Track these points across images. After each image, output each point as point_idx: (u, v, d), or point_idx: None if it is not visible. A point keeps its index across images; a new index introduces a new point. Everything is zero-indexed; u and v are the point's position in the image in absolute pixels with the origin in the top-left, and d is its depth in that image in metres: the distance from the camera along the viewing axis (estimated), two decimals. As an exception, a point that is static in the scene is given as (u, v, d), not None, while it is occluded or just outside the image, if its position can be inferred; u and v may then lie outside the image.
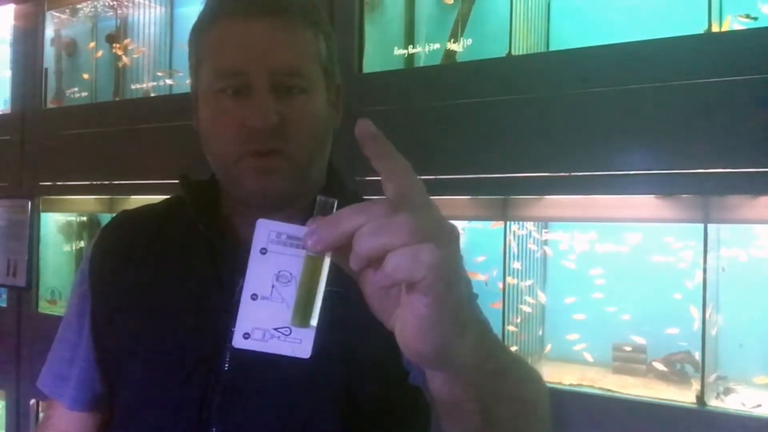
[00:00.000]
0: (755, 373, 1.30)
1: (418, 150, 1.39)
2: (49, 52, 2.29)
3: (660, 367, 1.36)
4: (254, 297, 0.45)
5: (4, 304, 2.19)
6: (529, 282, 1.49)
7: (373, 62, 1.56)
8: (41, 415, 2.01)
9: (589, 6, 1.51)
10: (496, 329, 0.85)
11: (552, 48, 1.53)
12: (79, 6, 2.27)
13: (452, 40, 1.60)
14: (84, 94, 2.30)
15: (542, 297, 1.53)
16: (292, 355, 0.46)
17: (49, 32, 2.30)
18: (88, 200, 2.18)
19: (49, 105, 2.23)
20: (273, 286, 0.45)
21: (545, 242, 1.55)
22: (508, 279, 1.40)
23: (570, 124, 1.27)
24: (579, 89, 1.26)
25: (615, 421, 1.22)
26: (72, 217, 2.34)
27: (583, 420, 1.24)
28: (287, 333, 0.46)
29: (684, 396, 1.23)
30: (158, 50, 2.12)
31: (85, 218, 2.36)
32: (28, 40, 2.21)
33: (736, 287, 1.34)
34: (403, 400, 0.77)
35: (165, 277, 0.80)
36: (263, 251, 0.45)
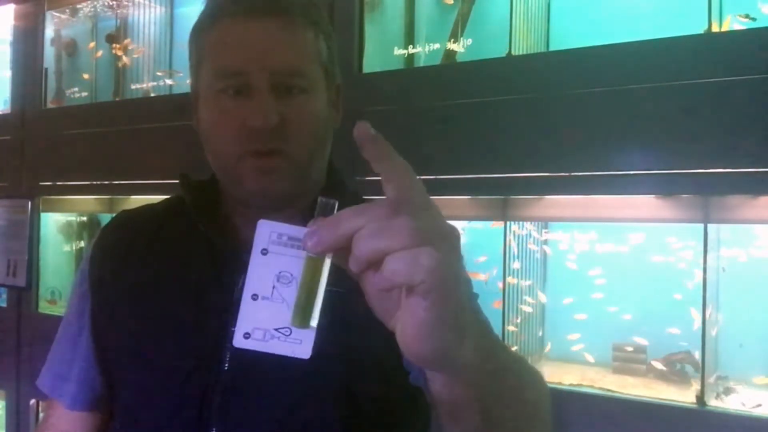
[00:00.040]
0: (755, 373, 1.30)
1: (418, 150, 1.39)
2: (49, 52, 2.30)
3: (658, 366, 1.36)
4: (255, 297, 0.45)
5: (4, 304, 2.19)
6: (528, 282, 1.49)
7: (373, 62, 1.56)
8: (41, 415, 2.01)
9: (589, 6, 1.51)
10: (496, 329, 0.85)
11: (552, 48, 1.53)
12: (79, 6, 2.27)
13: (452, 40, 1.60)
14: (84, 94, 2.30)
15: (542, 297, 1.53)
16: (292, 355, 0.46)
17: (49, 32, 2.30)
18: (88, 200, 2.18)
19: (49, 105, 2.23)
20: (274, 287, 0.45)
21: (545, 242, 1.55)
22: (508, 279, 1.40)
23: (570, 124, 1.27)
24: (579, 89, 1.26)
25: (615, 421, 1.22)
26: (72, 217, 2.34)
27: (583, 420, 1.24)
28: (287, 333, 0.46)
29: (684, 396, 1.23)
30: (158, 50, 2.12)
31: (85, 218, 2.37)
32: (28, 40, 2.21)
33: (736, 287, 1.34)
34: (403, 400, 0.77)
35: (165, 277, 0.80)
36: (264, 252, 0.45)
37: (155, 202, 0.92)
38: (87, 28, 2.38)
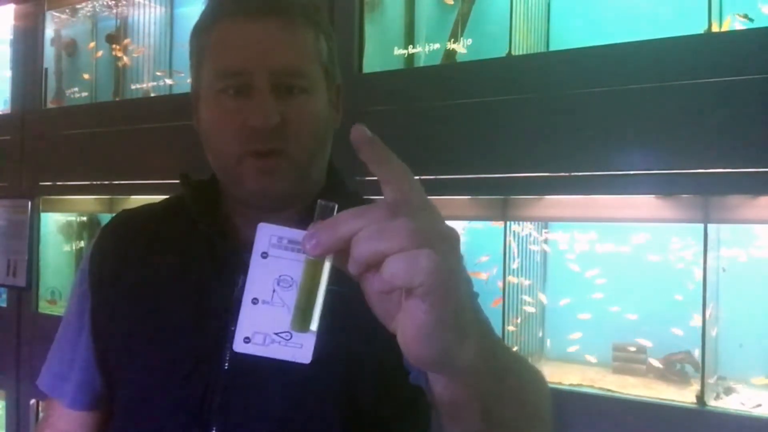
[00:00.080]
0: (755, 373, 1.30)
1: (418, 150, 1.39)
2: (49, 52, 2.29)
3: (656, 363, 1.36)
4: (255, 301, 0.45)
5: (4, 304, 2.19)
6: (528, 282, 1.48)
7: (373, 62, 1.56)
8: (41, 414, 2.01)
9: (589, 6, 1.51)
10: (496, 329, 0.85)
11: (552, 48, 1.53)
12: (79, 6, 2.27)
13: (452, 40, 1.60)
14: (84, 94, 2.30)
15: (542, 297, 1.53)
16: (293, 360, 0.46)
17: (49, 32, 2.30)
18: (88, 200, 2.18)
19: (49, 105, 2.23)
20: (274, 291, 0.45)
21: (545, 241, 1.55)
22: (509, 278, 1.40)
23: (570, 124, 1.27)
24: (579, 89, 1.26)
25: (615, 421, 1.22)
26: (72, 217, 2.34)
27: (583, 420, 1.24)
28: (288, 338, 0.46)
29: (684, 396, 1.23)
30: (158, 50, 2.12)
31: (85, 218, 2.36)
32: (28, 40, 2.21)
33: (736, 287, 1.34)
34: (403, 400, 0.77)
35: (165, 277, 0.80)
36: (264, 255, 0.45)
37: (155, 202, 0.92)
38: (87, 28, 2.38)
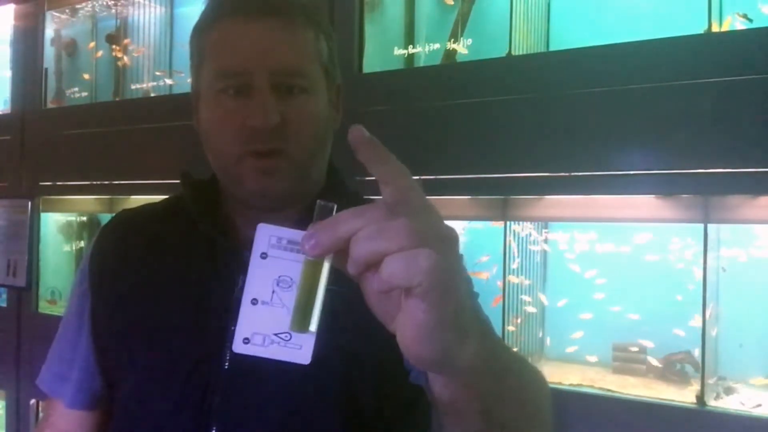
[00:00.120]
0: (755, 373, 1.30)
1: (418, 150, 1.39)
2: (49, 52, 2.29)
3: (654, 361, 1.36)
4: (254, 302, 0.45)
5: (4, 304, 2.19)
6: (528, 281, 1.48)
7: (373, 62, 1.56)
8: (41, 414, 2.01)
9: (589, 6, 1.51)
10: (497, 329, 0.85)
11: (552, 48, 1.53)
12: (79, 6, 2.27)
13: (452, 40, 1.60)
14: (84, 94, 2.30)
15: (542, 297, 1.53)
16: (292, 360, 0.46)
17: (49, 32, 2.30)
18: (88, 200, 2.18)
19: (49, 105, 2.23)
20: (273, 291, 0.45)
21: (545, 241, 1.55)
22: (509, 277, 1.40)
23: (570, 124, 1.27)
24: (579, 89, 1.25)
25: (615, 421, 1.22)
26: (72, 217, 2.34)
27: (583, 420, 1.24)
28: (287, 338, 0.45)
29: (684, 396, 1.23)
30: (158, 50, 2.12)
31: (85, 218, 2.36)
32: (28, 40, 2.21)
33: (736, 287, 1.34)
34: (403, 400, 0.77)
35: (165, 277, 0.80)
36: (263, 256, 0.45)
37: (155, 201, 0.92)
38: (87, 28, 2.38)
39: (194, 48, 0.81)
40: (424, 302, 0.40)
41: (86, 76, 2.31)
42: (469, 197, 1.43)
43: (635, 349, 1.40)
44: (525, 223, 1.46)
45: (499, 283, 1.39)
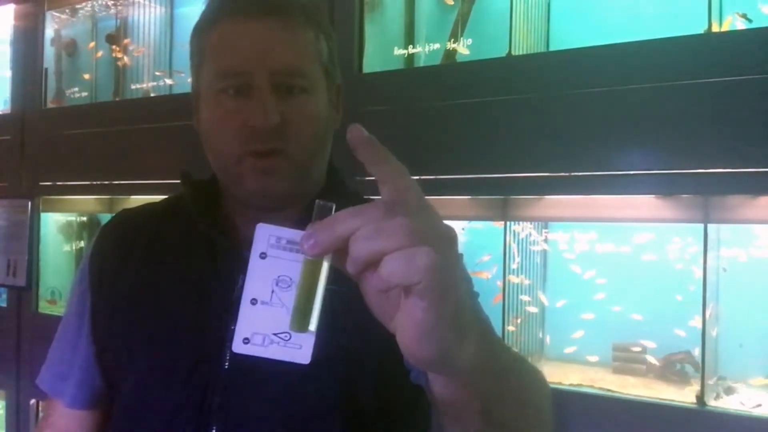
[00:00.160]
0: (755, 373, 1.30)
1: (418, 150, 1.39)
2: (49, 52, 2.29)
3: (652, 360, 1.36)
4: (254, 302, 0.45)
5: (4, 304, 2.19)
6: (528, 281, 1.48)
7: (373, 62, 1.56)
8: (41, 414, 2.00)
9: (589, 6, 1.51)
10: (497, 329, 0.85)
11: (552, 48, 1.53)
12: (79, 6, 2.27)
13: (452, 40, 1.60)
14: (84, 94, 2.30)
15: (542, 297, 1.53)
16: (292, 360, 0.46)
17: (49, 32, 2.30)
18: (88, 200, 2.18)
19: (49, 105, 2.23)
20: (273, 291, 0.45)
21: (545, 241, 1.55)
22: (509, 277, 1.40)
23: (570, 124, 1.27)
24: (579, 89, 1.25)
25: (615, 421, 1.22)
26: (72, 217, 2.34)
27: (583, 420, 1.24)
28: (287, 338, 0.45)
29: (684, 396, 1.23)
30: (158, 50, 2.12)
31: (85, 218, 2.36)
32: (28, 40, 2.21)
33: (736, 287, 1.34)
34: (403, 400, 0.77)
35: (165, 277, 0.80)
36: (263, 256, 0.45)
37: (155, 201, 0.92)
38: (87, 28, 2.38)
39: (194, 48, 0.81)
40: (424, 301, 0.40)
41: (86, 76, 2.31)
42: (469, 197, 1.43)
43: (638, 349, 1.40)
44: (525, 223, 1.46)
45: (499, 283, 1.39)
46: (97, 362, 0.84)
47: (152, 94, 2.10)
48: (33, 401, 2.05)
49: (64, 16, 2.34)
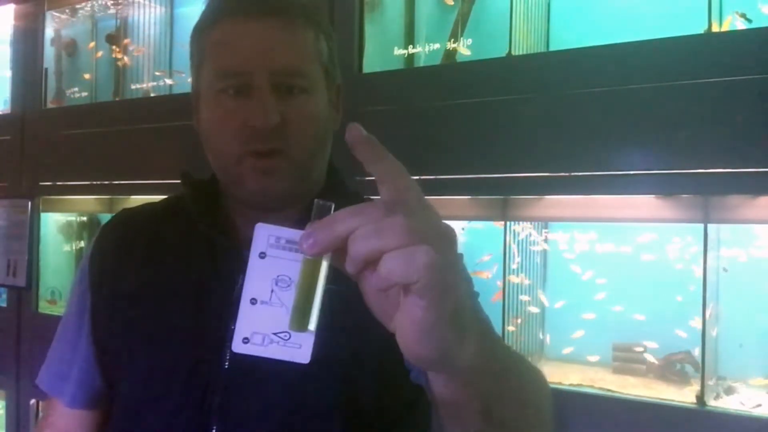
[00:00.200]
0: (755, 373, 1.30)
1: (418, 150, 1.39)
2: (49, 52, 2.29)
3: (651, 358, 1.36)
4: (253, 301, 0.45)
5: (4, 304, 2.19)
6: (528, 281, 1.48)
7: (373, 62, 1.56)
8: (41, 414, 2.00)
9: (589, 6, 1.51)
10: (497, 329, 0.85)
11: (552, 48, 1.53)
12: (79, 6, 2.27)
13: (452, 40, 1.60)
14: (84, 94, 2.30)
15: (543, 297, 1.53)
16: (292, 360, 0.46)
17: (49, 32, 2.30)
18: (88, 200, 2.18)
19: (49, 105, 2.23)
20: (272, 291, 0.45)
21: (545, 241, 1.55)
22: (511, 277, 1.40)
23: (570, 124, 1.27)
24: (579, 89, 1.25)
25: (615, 421, 1.22)
26: (72, 217, 2.34)
27: (583, 420, 1.24)
28: (286, 338, 0.45)
29: (684, 396, 1.23)
30: (158, 50, 2.12)
31: (85, 218, 2.36)
32: (28, 40, 2.21)
33: (736, 287, 1.34)
34: (403, 400, 0.77)
35: (165, 276, 0.80)
36: (262, 256, 0.45)
37: (155, 201, 0.92)
38: (87, 28, 2.38)
39: (194, 48, 0.81)
40: (423, 299, 0.40)
41: (86, 76, 2.31)
42: (469, 197, 1.43)
43: (640, 349, 1.40)
44: (525, 223, 1.46)
45: (499, 283, 1.40)
46: (97, 362, 0.84)
47: (152, 94, 2.10)
48: (33, 401, 2.05)
49: (64, 16, 2.34)
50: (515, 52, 1.41)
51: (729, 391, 1.26)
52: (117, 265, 0.83)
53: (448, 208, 1.45)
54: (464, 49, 1.57)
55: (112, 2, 2.20)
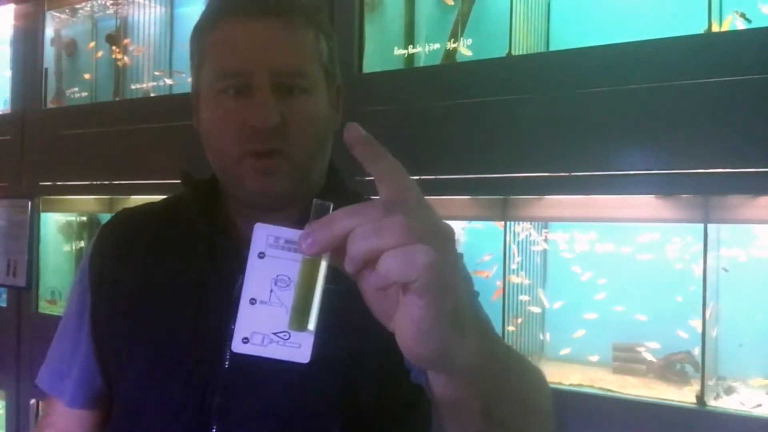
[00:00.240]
0: (755, 374, 1.30)
1: (418, 150, 1.39)
2: (49, 52, 2.29)
3: (649, 356, 1.36)
4: (253, 301, 0.45)
5: (4, 304, 2.19)
6: (528, 281, 1.48)
7: (373, 62, 1.56)
8: (41, 414, 2.00)
9: (589, 6, 1.51)
10: (497, 328, 0.85)
11: (552, 48, 1.53)
12: (79, 6, 2.27)
13: (452, 40, 1.60)
14: (84, 94, 2.30)
15: (543, 297, 1.53)
16: (291, 359, 0.46)
17: (49, 32, 2.30)
18: (88, 200, 2.18)
19: (49, 105, 2.23)
20: (271, 291, 0.45)
21: (545, 240, 1.55)
22: (511, 277, 1.40)
23: (570, 124, 1.27)
24: (579, 89, 1.25)
25: (615, 421, 1.22)
26: (72, 217, 2.34)
27: (583, 420, 1.24)
28: (286, 337, 0.46)
29: (684, 396, 1.23)
30: (158, 50, 2.12)
31: (85, 218, 2.36)
32: (28, 40, 2.21)
33: (736, 287, 1.34)
34: (403, 400, 0.77)
35: (165, 276, 0.80)
36: (261, 256, 0.45)
37: (155, 201, 0.92)
38: (87, 28, 2.38)
39: (194, 48, 0.81)
40: (422, 298, 0.40)
41: (86, 76, 2.31)
42: (469, 197, 1.43)
43: (640, 349, 1.40)
44: (525, 223, 1.46)
45: (499, 283, 1.40)
46: (97, 362, 0.84)
47: (152, 94, 2.10)
48: (33, 401, 2.05)
49: (64, 16, 2.34)
50: (515, 52, 1.41)
51: (729, 391, 1.26)
52: (117, 264, 0.83)
53: (448, 208, 1.45)
54: (464, 49, 1.57)
55: (112, 2, 2.20)
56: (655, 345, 1.39)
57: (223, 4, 0.78)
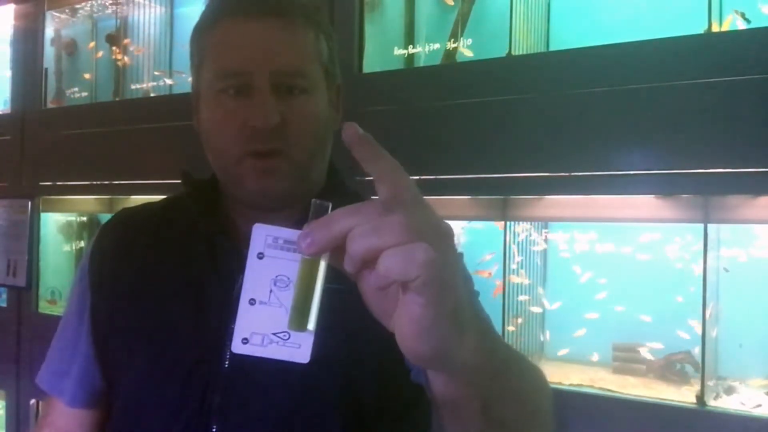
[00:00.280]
0: (755, 374, 1.30)
1: (418, 150, 1.39)
2: (49, 52, 2.29)
3: (649, 357, 1.36)
4: (252, 302, 0.45)
5: (4, 304, 2.19)
6: (528, 281, 1.48)
7: (373, 62, 1.56)
8: (41, 414, 2.00)
9: (589, 6, 1.51)
10: (497, 328, 0.85)
11: (552, 48, 1.53)
12: (79, 6, 2.27)
13: (452, 40, 1.60)
14: (84, 94, 2.30)
15: (543, 297, 1.53)
16: (291, 360, 0.46)
17: (49, 32, 2.30)
18: (88, 200, 2.18)
19: (49, 105, 2.23)
20: (271, 291, 0.45)
21: (545, 240, 1.55)
22: (511, 277, 1.40)
23: (570, 124, 1.27)
24: (579, 89, 1.25)
25: (615, 421, 1.22)
26: (72, 217, 2.34)
27: (583, 420, 1.24)
28: (286, 338, 0.46)
29: (684, 396, 1.23)
30: (158, 50, 2.12)
31: (85, 218, 2.37)
32: (28, 40, 2.21)
33: (736, 287, 1.34)
34: (403, 399, 0.77)
35: (165, 276, 0.80)
36: (260, 256, 0.45)
37: (155, 201, 0.92)
38: (87, 28, 2.38)
39: (194, 48, 0.81)
40: (422, 297, 0.40)
41: (86, 76, 2.31)
42: (469, 197, 1.43)
43: (642, 349, 1.40)
44: (525, 223, 1.46)
45: (499, 282, 1.40)
46: (97, 361, 0.84)
47: (152, 94, 2.10)
48: (33, 401, 2.05)
49: (64, 16, 2.34)
50: (515, 52, 1.41)
51: (729, 391, 1.26)
52: (117, 264, 0.83)
53: (448, 208, 1.45)
54: (464, 49, 1.57)
55: (111, 2, 2.20)
56: (655, 345, 1.39)
57: (223, 4, 0.78)
